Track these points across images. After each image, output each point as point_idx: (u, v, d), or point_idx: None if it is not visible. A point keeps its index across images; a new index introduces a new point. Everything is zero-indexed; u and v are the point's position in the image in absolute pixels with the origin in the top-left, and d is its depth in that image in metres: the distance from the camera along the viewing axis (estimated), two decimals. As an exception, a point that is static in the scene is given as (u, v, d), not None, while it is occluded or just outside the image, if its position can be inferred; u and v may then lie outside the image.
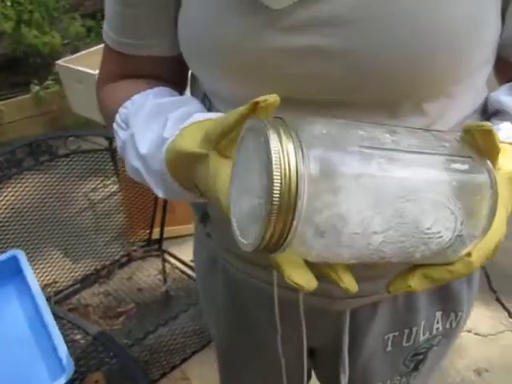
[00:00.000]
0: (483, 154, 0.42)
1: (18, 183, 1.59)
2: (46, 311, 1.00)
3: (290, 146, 0.35)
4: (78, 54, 2.40)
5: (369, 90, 0.54)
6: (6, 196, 1.57)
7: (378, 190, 0.37)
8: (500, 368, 1.84)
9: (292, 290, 0.66)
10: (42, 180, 1.64)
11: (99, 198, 2.03)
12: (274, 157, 0.35)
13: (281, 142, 0.36)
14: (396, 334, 0.77)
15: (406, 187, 0.37)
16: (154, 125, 0.57)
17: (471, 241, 0.42)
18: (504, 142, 0.51)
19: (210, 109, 0.64)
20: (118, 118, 0.63)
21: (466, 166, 0.40)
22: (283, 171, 0.35)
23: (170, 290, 1.93)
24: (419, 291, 0.73)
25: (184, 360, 1.75)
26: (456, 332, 0.82)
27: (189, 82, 0.74)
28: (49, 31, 3.06)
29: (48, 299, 1.05)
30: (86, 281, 1.81)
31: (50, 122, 3.16)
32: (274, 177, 0.35)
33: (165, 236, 1.96)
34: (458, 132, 0.45)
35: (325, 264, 0.42)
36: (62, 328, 1.00)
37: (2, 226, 1.57)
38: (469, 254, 0.43)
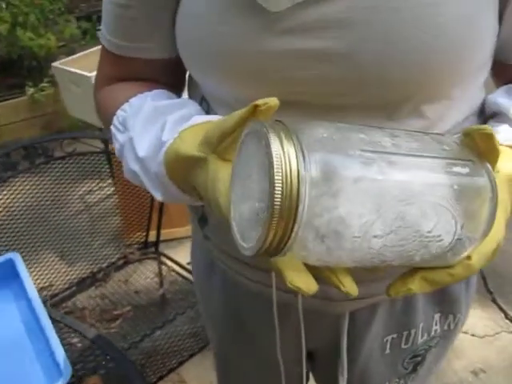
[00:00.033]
0: (483, 157, 0.42)
1: (14, 186, 1.59)
2: (42, 315, 0.99)
3: (291, 150, 0.35)
4: (74, 56, 2.39)
5: (368, 92, 0.54)
6: (1, 199, 1.56)
7: (379, 193, 0.37)
8: (497, 369, 1.84)
9: (290, 293, 0.66)
10: (38, 183, 1.64)
11: (95, 200, 2.03)
12: (276, 161, 0.35)
13: (282, 146, 0.35)
14: (394, 336, 0.77)
15: (406, 191, 0.37)
16: (153, 127, 0.57)
17: (471, 244, 0.42)
18: (502, 145, 0.51)
19: (208, 111, 0.64)
20: (115, 120, 0.63)
21: (466, 170, 0.40)
22: (284, 175, 0.35)
23: (166, 292, 1.92)
24: (418, 293, 0.73)
25: (181, 363, 1.75)
26: (454, 334, 0.82)
27: (186, 84, 0.74)
28: (44, 33, 3.06)
29: (44, 302, 1.04)
30: (82, 284, 1.80)
31: (46, 124, 3.16)
32: (276, 181, 0.35)
33: (161, 238, 1.96)
34: (456, 135, 0.45)
35: (325, 267, 0.42)
36: (58, 331, 0.99)
37: (-3, 228, 1.56)
38: (469, 257, 0.43)
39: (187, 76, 0.72)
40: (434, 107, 0.58)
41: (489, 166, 0.42)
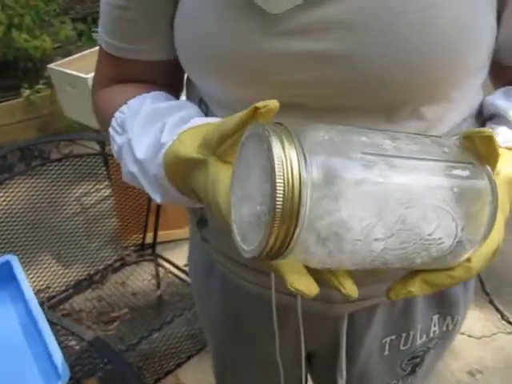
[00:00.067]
0: (483, 159, 0.42)
1: (10, 188, 1.59)
2: (40, 317, 0.99)
3: (292, 153, 0.35)
4: (70, 58, 2.38)
5: (368, 94, 0.54)
6: (-3, 201, 1.56)
7: (380, 196, 0.37)
8: (493, 369, 1.85)
9: (290, 295, 0.66)
10: (34, 185, 1.64)
11: (92, 202, 2.03)
12: (277, 164, 0.35)
13: (283, 149, 0.35)
14: (393, 337, 0.77)
15: (407, 194, 0.37)
16: (151, 129, 0.57)
17: (471, 246, 0.42)
18: (501, 147, 0.51)
19: (206, 113, 0.64)
20: (114, 122, 0.63)
21: (467, 172, 0.40)
22: (286, 179, 0.35)
23: (163, 294, 1.92)
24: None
25: (178, 365, 1.74)
26: (453, 335, 0.83)
27: (184, 86, 0.74)
28: (39, 35, 3.05)
29: (41, 305, 1.04)
30: (79, 286, 1.80)
31: (42, 126, 3.15)
32: (277, 184, 0.34)
33: (158, 240, 1.95)
34: (455, 136, 0.45)
35: (326, 270, 0.42)
36: (56, 334, 0.99)
37: (-6, 231, 1.56)
38: (469, 260, 0.43)
39: (185, 78, 0.72)
40: (433, 109, 0.58)
41: (489, 168, 0.42)
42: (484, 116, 0.66)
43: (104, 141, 1.80)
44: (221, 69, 0.57)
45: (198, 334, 1.75)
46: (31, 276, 1.67)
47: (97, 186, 2.02)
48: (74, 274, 1.80)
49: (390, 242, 0.38)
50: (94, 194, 2.04)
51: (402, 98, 0.55)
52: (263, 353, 0.80)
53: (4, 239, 1.58)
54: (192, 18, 0.57)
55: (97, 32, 0.69)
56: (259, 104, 0.41)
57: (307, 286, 0.41)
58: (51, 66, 2.31)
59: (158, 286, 1.93)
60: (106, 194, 1.99)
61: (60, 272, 1.78)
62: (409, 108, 0.56)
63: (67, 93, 2.26)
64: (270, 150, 0.35)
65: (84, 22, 3.40)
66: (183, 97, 0.73)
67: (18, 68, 3.21)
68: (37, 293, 1.61)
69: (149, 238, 1.92)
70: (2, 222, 1.58)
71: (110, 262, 1.86)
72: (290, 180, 0.35)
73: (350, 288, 0.43)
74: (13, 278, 1.09)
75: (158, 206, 1.83)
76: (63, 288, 1.77)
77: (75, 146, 1.97)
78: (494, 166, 0.43)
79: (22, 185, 1.61)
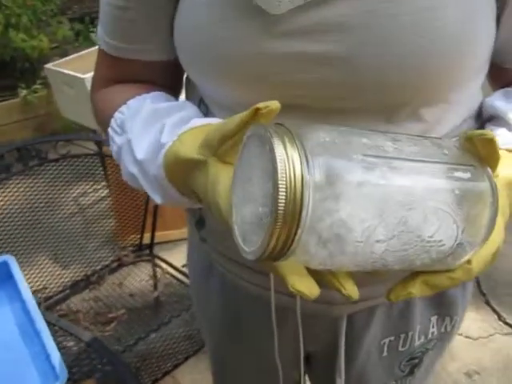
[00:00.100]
0: (483, 161, 0.42)
1: (7, 188, 1.58)
2: (37, 317, 0.99)
3: (295, 155, 0.35)
4: (67, 58, 2.38)
5: (367, 96, 0.54)
6: (-6, 201, 1.56)
7: (381, 198, 0.37)
8: (490, 370, 1.85)
9: (289, 295, 0.66)
10: (32, 185, 1.63)
11: (89, 202, 2.02)
12: (280, 165, 0.35)
13: (286, 151, 0.35)
14: (392, 338, 0.77)
15: (409, 196, 0.37)
16: (151, 130, 0.57)
17: (471, 248, 0.42)
18: (501, 149, 0.51)
19: (206, 114, 0.64)
20: (113, 122, 0.63)
21: (468, 175, 0.40)
22: (288, 180, 0.35)
23: (161, 295, 1.92)
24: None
25: (176, 366, 1.74)
26: (451, 336, 0.83)
27: (184, 87, 0.73)
28: (37, 35, 3.05)
29: (38, 305, 1.03)
30: (76, 286, 1.79)
31: (39, 126, 3.15)
32: (280, 186, 0.34)
33: (155, 241, 1.95)
34: (454, 138, 0.45)
35: (327, 271, 0.42)
36: (53, 335, 0.99)
37: (-10, 231, 1.56)
38: (469, 262, 0.43)
39: (185, 78, 0.72)
40: (431, 110, 0.58)
41: (489, 170, 0.42)
42: (483, 117, 0.66)
43: (101, 141, 1.80)
44: (221, 70, 0.56)
45: (195, 335, 1.75)
46: (28, 276, 1.66)
47: (94, 187, 2.01)
48: (71, 275, 1.80)
49: (392, 243, 0.38)
50: (91, 195, 2.04)
51: (399, 99, 0.55)
52: (262, 353, 0.80)
53: (1, 239, 1.57)
54: (192, 19, 0.57)
55: (94, 32, 0.69)
56: (260, 105, 0.41)
57: (308, 288, 0.41)
58: (48, 65, 2.31)
59: (156, 286, 1.93)
60: (103, 195, 1.99)
61: (57, 272, 1.78)
62: (407, 109, 0.56)
63: (64, 93, 2.25)
64: (272, 151, 0.35)
65: (81, 22, 3.40)
66: (183, 97, 0.73)
67: (15, 68, 3.20)
68: (33, 293, 1.60)
69: (146, 239, 1.92)
70: (-1, 222, 1.58)
71: (107, 263, 1.85)
72: (293, 181, 0.35)
73: (351, 289, 0.43)
74: (10, 278, 1.08)
75: (156, 207, 1.82)
76: (60, 288, 1.77)
77: (72, 146, 1.97)
78: (494, 168, 0.43)
79: (19, 185, 1.60)
